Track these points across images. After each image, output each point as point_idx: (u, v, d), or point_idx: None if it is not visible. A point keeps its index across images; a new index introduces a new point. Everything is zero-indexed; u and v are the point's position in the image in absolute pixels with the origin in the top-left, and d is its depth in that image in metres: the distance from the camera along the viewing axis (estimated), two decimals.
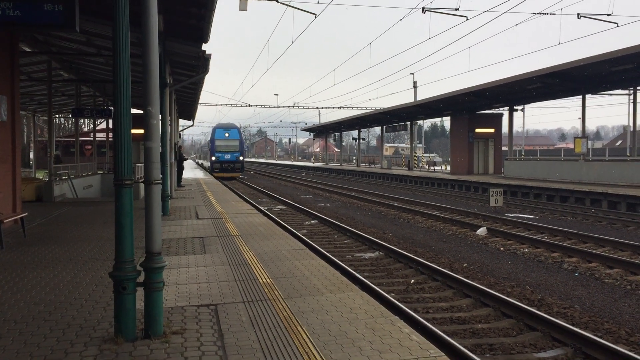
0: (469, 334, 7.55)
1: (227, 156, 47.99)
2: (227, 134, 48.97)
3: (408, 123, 51.03)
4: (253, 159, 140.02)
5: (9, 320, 5.65)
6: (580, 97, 30.76)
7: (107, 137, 40.20)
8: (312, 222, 19.16)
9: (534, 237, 15.06)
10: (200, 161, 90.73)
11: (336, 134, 78.41)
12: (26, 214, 11.85)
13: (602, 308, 8.89)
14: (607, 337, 7.41)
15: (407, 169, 52.66)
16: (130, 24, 5.00)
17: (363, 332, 5.30)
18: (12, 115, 13.49)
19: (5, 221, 10.23)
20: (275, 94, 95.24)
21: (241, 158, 48.73)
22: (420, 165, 56.79)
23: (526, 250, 13.70)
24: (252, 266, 8.32)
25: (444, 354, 4.83)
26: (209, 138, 59.89)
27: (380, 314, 5.92)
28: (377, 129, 67.66)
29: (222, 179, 45.44)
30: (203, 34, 14.39)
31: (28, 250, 9.80)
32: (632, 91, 33.57)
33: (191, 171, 50.33)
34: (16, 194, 13.69)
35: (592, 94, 31.29)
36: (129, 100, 4.97)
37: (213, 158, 48.17)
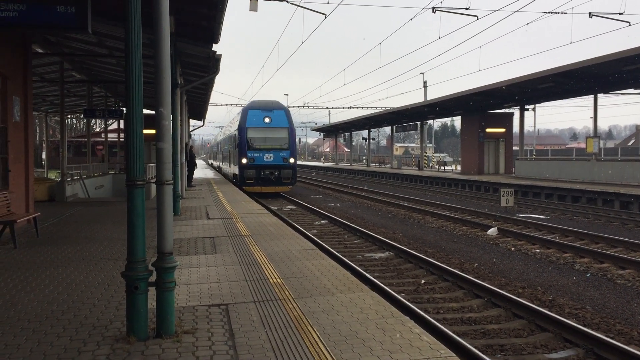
0: (480, 334, 7.53)
1: (269, 157, 28.70)
2: (267, 119, 29.29)
3: (418, 123, 50.89)
4: None
5: (22, 319, 5.71)
6: (592, 96, 30.57)
7: (119, 137, 40.44)
8: (322, 222, 19.17)
9: (545, 237, 14.98)
10: (212, 162, 72.29)
11: (346, 133, 78.37)
12: (39, 213, 11.95)
13: (614, 309, 8.84)
14: (619, 338, 7.36)
15: (417, 168, 52.53)
16: (142, 25, 5.04)
17: (373, 332, 5.30)
18: (25, 116, 13.61)
19: (18, 221, 10.33)
20: (285, 94, 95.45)
21: (292, 161, 29.09)
22: (430, 165, 56.64)
23: (537, 250, 13.64)
24: (263, 266, 8.35)
25: (454, 355, 4.82)
26: (230, 130, 36.22)
27: (390, 314, 5.92)
28: (387, 129, 67.57)
29: (259, 195, 28.44)
30: (213, 35, 14.45)
31: (41, 249, 9.89)
32: None
33: (201, 171, 50.37)
34: (29, 194, 13.82)
35: (604, 93, 31.05)
36: (141, 102, 5.01)
37: (243, 161, 28.53)
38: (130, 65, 4.95)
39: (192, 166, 28.15)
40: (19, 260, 8.94)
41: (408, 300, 8.82)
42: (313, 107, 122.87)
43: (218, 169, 54.85)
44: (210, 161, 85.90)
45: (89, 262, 8.69)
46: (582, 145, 69.95)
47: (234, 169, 31.54)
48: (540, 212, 22.11)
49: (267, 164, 28.53)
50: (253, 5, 18.82)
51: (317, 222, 19.02)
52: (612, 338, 7.09)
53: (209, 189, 26.69)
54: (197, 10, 12.86)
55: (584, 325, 7.64)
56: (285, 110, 29.99)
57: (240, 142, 28.97)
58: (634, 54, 21.00)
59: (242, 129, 29.12)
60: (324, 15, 20.77)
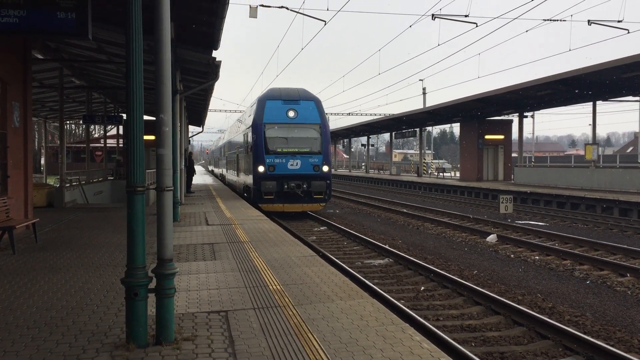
0: (480, 342, 7.51)
1: (294, 164, 21.53)
2: (292, 112, 22.05)
3: (417, 129, 50.95)
4: None
5: (21, 325, 5.69)
6: (591, 103, 30.63)
7: (118, 143, 40.45)
8: (322, 228, 19.15)
9: (544, 244, 14.98)
10: (214, 168, 65.64)
11: (345, 140, 78.42)
12: (38, 219, 11.92)
13: (613, 316, 8.82)
14: (619, 345, 7.35)
15: (416, 175, 52.55)
16: (142, 31, 5.05)
17: (374, 340, 5.29)
18: (25, 122, 13.61)
19: (17, 227, 10.30)
20: None
21: (326, 169, 21.87)
22: (429, 171, 56.66)
23: (537, 257, 13.62)
24: (262, 273, 8.33)
25: None
26: (239, 128, 29.09)
27: (390, 321, 5.90)
28: (386, 135, 67.60)
29: (281, 215, 21.74)
30: (213, 41, 14.49)
31: (40, 255, 9.86)
32: None
33: (200, 177, 50.33)
34: (28, 199, 13.80)
35: (603, 100, 31.11)
36: (141, 108, 5.01)
37: (260, 169, 21.40)
38: (130, 71, 4.95)
39: (191, 172, 28.09)
40: (18, 266, 8.92)
41: (408, 307, 8.80)
42: None
43: (221, 178, 46.74)
44: (211, 168, 78.57)
45: (88, 268, 8.67)
46: (581, 152, 70.06)
47: (246, 180, 23.65)
48: (540, 219, 22.11)
49: (292, 173, 20.75)
50: (253, 12, 18.90)
51: (316, 229, 19.00)
52: (612, 346, 7.07)
53: (208, 195, 26.65)
54: (197, 17, 12.90)
55: (584, 333, 7.63)
56: (315, 101, 21.96)
57: (256, 144, 21.23)
58: (632, 62, 21.06)
59: (257, 126, 21.32)
60: (324, 22, 20.84)
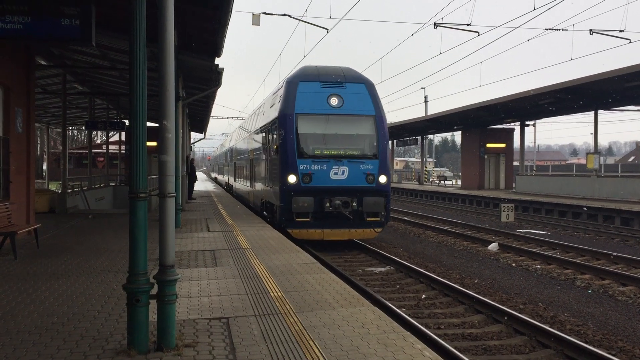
0: (481, 350, 7.49)
1: (339, 172, 15.23)
2: (334, 99, 15.79)
3: (419, 137, 50.99)
4: None
5: (22, 331, 5.69)
6: (592, 112, 30.65)
7: (120, 149, 40.53)
8: None
9: (546, 253, 14.96)
10: (217, 176, 60.10)
11: None
12: (39, 225, 11.95)
13: (615, 326, 8.80)
14: (621, 355, 7.33)
15: (417, 183, 52.53)
16: (146, 38, 5.07)
17: (375, 348, 5.28)
18: (28, 128, 13.65)
19: (19, 232, 10.31)
20: None
21: (383, 180, 15.47)
22: (430, 179, 56.66)
23: (538, 266, 13.60)
24: (264, 279, 8.32)
25: None
26: (255, 124, 22.12)
27: (392, 329, 5.89)
28: None
29: (314, 242, 15.70)
30: (216, 48, 14.53)
31: (41, 261, 9.86)
32: None
33: (202, 184, 50.33)
34: (30, 205, 13.82)
35: (604, 109, 31.15)
36: (144, 114, 5.03)
37: (290, 180, 15.10)
38: (134, 78, 4.97)
39: (192, 179, 28.09)
40: (19, 271, 8.92)
41: (409, 315, 8.78)
42: None
43: (226, 187, 40.05)
44: (214, 175, 71.37)
45: (89, 274, 8.67)
46: (583, 161, 70.00)
47: (266, 193, 17.73)
48: (541, 228, 22.08)
49: (337, 185, 14.96)
50: (256, 20, 18.95)
51: None
52: (614, 355, 7.05)
53: (209, 201, 26.65)
54: (201, 24, 12.95)
55: (586, 342, 7.61)
56: (366, 84, 16.08)
57: (284, 145, 15.21)
58: (634, 71, 21.09)
59: (286, 118, 15.36)
60: (326, 30, 20.90)
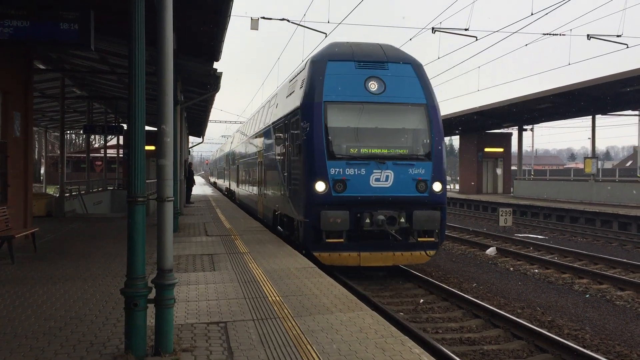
0: (479, 355, 7.49)
1: (383, 179, 11.68)
2: (374, 83, 12.18)
3: None
4: None
5: (20, 335, 5.68)
6: (590, 117, 30.72)
7: (118, 153, 40.54)
8: None
9: (544, 257, 14.97)
10: (216, 180, 57.03)
11: None
12: (37, 229, 11.93)
13: (613, 330, 8.80)
14: None
15: None
16: (145, 42, 5.08)
17: (373, 352, 5.28)
18: (26, 131, 13.65)
19: (16, 236, 10.30)
20: None
21: (437, 188, 11.92)
22: None
23: (536, 270, 13.61)
24: (262, 284, 8.32)
25: None
26: (267, 116, 18.11)
27: (390, 333, 5.89)
28: None
29: (344, 269, 12.21)
30: (215, 53, 14.54)
31: (39, 265, 9.85)
32: None
33: (200, 188, 50.27)
34: (27, 209, 13.80)
35: (602, 114, 31.24)
36: (143, 119, 5.04)
37: (317, 187, 11.51)
38: (133, 82, 4.98)
39: (190, 183, 28.07)
40: (17, 275, 8.91)
41: (407, 320, 8.78)
42: None
43: (228, 193, 36.64)
44: (212, 179, 67.39)
45: (87, 278, 8.66)
46: (580, 166, 70.15)
47: (284, 205, 14.15)
48: (539, 232, 22.10)
49: (379, 195, 11.71)
50: (254, 24, 18.97)
51: None
52: None
53: (207, 205, 26.63)
54: (199, 28, 12.96)
55: (584, 347, 7.61)
56: (413, 64, 12.75)
57: (309, 142, 11.94)
58: (632, 76, 21.16)
59: (311, 107, 12.06)
60: (325, 34, 20.94)
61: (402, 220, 11.45)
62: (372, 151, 11.79)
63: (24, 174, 13.60)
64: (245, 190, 24.83)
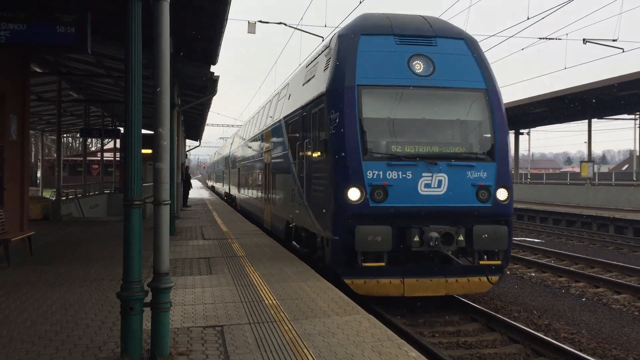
0: (476, 359, 7.49)
1: (433, 184, 9.24)
2: (418, 63, 9.74)
3: None
4: None
5: (15, 339, 5.66)
6: (586, 121, 30.82)
7: (114, 156, 40.51)
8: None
9: (540, 261, 14.99)
10: (214, 184, 55.01)
11: None
12: (33, 232, 11.89)
13: (609, 334, 8.81)
14: None
15: None
16: (142, 46, 5.08)
17: (370, 356, 5.27)
18: (22, 135, 13.63)
19: (12, 240, 10.27)
20: None
21: (503, 196, 9.46)
22: None
23: (533, 274, 13.63)
24: (258, 287, 8.31)
25: None
26: (279, 107, 15.41)
27: (387, 337, 5.89)
28: None
29: (380, 297, 9.42)
30: (212, 56, 14.57)
31: (35, 269, 9.82)
32: (638, 116, 33.64)
33: (197, 191, 50.21)
34: (24, 212, 13.77)
35: (598, 118, 31.37)
36: (139, 122, 5.03)
37: (351, 196, 9.06)
38: (129, 85, 4.98)
39: (187, 187, 28.06)
40: (13, 279, 8.87)
41: (404, 324, 8.78)
42: None
43: (227, 198, 34.24)
44: (210, 183, 64.60)
45: (83, 282, 8.64)
46: (577, 170, 70.27)
47: (300, 215, 11.84)
48: (536, 236, 22.13)
49: (430, 205, 9.34)
50: (251, 28, 19.02)
51: None
52: None
53: (204, 209, 26.61)
54: (196, 32, 12.98)
55: (580, 350, 7.62)
56: (467, 40, 10.35)
57: (338, 137, 9.43)
58: (627, 80, 21.25)
59: (340, 93, 9.59)
60: (321, 38, 20.97)
61: (461, 238, 8.98)
62: (420, 149, 9.44)
63: (20, 177, 13.58)
64: (248, 195, 22.69)
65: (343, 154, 9.20)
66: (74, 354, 5.21)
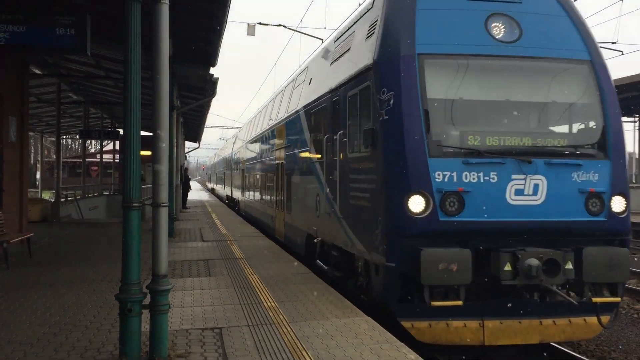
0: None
1: (528, 189, 6.76)
2: (500, 26, 7.26)
3: None
4: None
5: (13, 341, 5.65)
6: None
7: (114, 158, 40.53)
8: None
9: None
10: (214, 186, 52.11)
11: None
12: (32, 234, 11.88)
13: (608, 336, 8.81)
14: None
15: None
16: (141, 48, 5.08)
17: (368, 358, 5.27)
18: (21, 136, 13.63)
19: (11, 241, 10.26)
20: None
21: (621, 206, 6.96)
22: None
23: None
24: (257, 289, 8.30)
25: None
26: (290, 101, 13.50)
27: (385, 339, 5.88)
28: None
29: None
30: (211, 58, 14.58)
31: (33, 270, 9.81)
32: (637, 118, 33.65)
33: (196, 193, 50.19)
34: (23, 214, 13.77)
35: None
36: (138, 124, 5.03)
37: (412, 207, 6.68)
38: (128, 87, 4.98)
39: (186, 188, 28.03)
40: (11, 281, 8.87)
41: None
42: None
43: (230, 203, 31.62)
44: (210, 185, 61.03)
45: (81, 284, 8.63)
46: None
47: (328, 227, 9.46)
48: None
49: (524, 220, 6.79)
50: (251, 30, 19.04)
51: None
52: None
53: (203, 211, 26.60)
54: (196, 34, 12.99)
55: (579, 353, 7.61)
56: None
57: (393, 124, 6.94)
58: (627, 83, 21.28)
59: (394, 65, 7.11)
60: (321, 40, 20.99)
61: (570, 266, 6.54)
62: (507, 142, 7.01)
63: (20, 179, 13.58)
64: (254, 200, 20.18)
65: (401, 148, 6.81)
66: (72, 355, 5.20)
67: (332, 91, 9.25)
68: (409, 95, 6.87)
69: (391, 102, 6.94)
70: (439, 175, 6.71)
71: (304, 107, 11.52)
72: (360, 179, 7.87)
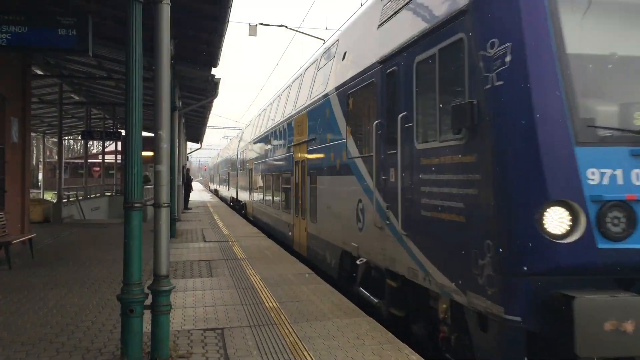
0: None
1: None
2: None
3: None
4: None
5: (15, 342, 5.65)
6: None
7: (116, 158, 40.56)
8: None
9: None
10: (217, 187, 49.76)
11: None
12: (34, 235, 11.90)
13: None
14: None
15: None
16: (143, 48, 5.09)
17: (370, 359, 5.26)
18: (23, 137, 13.63)
19: (13, 242, 10.27)
20: None
21: None
22: None
23: None
24: (259, 290, 8.30)
25: None
26: (310, 84, 11.61)
27: (387, 340, 5.87)
28: None
29: None
30: (213, 59, 14.58)
31: (35, 271, 9.82)
32: None
33: (198, 194, 50.23)
34: (25, 214, 13.76)
35: None
36: (140, 124, 5.03)
37: (550, 222, 4.24)
38: (130, 88, 4.98)
39: (188, 189, 28.01)
40: (13, 281, 8.87)
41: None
42: None
43: (236, 205, 29.40)
44: (213, 187, 57.25)
45: (83, 284, 8.63)
46: None
47: (398, 254, 6.51)
48: None
49: None
50: (252, 30, 19.04)
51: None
52: None
53: (205, 211, 26.61)
54: (197, 35, 13.00)
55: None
56: None
57: (511, 93, 4.43)
58: None
59: (511, 4, 4.57)
60: (322, 41, 20.99)
61: None
62: None
63: (22, 180, 13.58)
64: (265, 204, 17.92)
65: (528, 132, 4.44)
66: (74, 356, 5.21)
67: (385, 60, 7.04)
68: (539, 48, 4.48)
69: (507, 59, 4.55)
70: (593, 174, 4.38)
71: (336, 88, 9.38)
72: (443, 180, 5.43)
